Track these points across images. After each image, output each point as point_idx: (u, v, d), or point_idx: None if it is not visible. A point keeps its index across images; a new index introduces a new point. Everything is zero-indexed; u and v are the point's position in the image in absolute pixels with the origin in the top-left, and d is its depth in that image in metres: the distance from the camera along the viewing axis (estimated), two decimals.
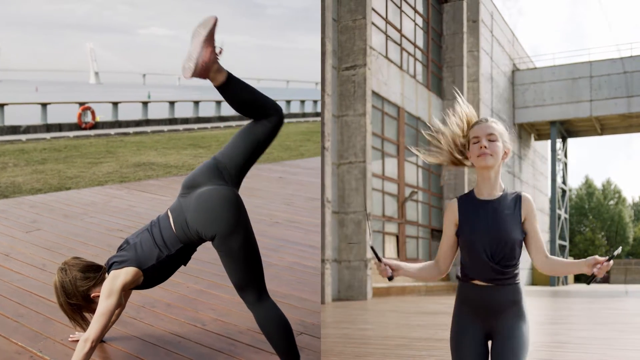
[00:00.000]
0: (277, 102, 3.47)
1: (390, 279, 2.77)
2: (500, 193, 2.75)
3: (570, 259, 2.74)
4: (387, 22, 21.19)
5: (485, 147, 2.70)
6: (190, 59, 3.26)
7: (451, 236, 2.81)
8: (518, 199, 2.74)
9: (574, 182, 73.56)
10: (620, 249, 2.71)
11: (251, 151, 3.45)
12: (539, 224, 2.78)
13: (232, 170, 3.43)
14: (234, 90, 3.38)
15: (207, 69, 3.29)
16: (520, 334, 2.68)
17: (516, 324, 2.70)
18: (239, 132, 3.47)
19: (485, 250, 2.67)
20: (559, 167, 35.19)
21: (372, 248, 2.80)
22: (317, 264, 5.97)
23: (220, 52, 3.32)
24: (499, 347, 2.69)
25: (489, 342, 2.77)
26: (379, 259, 2.77)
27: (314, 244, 6.68)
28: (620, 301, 18.13)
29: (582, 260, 2.64)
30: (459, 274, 2.82)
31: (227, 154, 3.46)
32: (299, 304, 4.77)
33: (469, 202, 2.78)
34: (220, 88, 3.36)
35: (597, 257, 2.57)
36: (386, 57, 20.79)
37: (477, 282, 2.72)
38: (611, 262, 2.54)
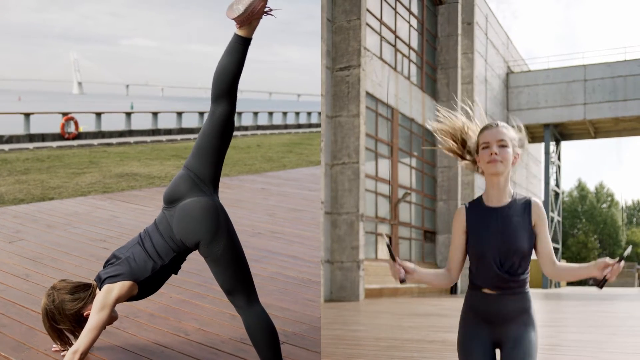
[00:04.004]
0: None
1: (402, 282, 2.69)
2: (510, 199, 2.70)
3: (577, 265, 2.67)
4: (382, 23, 21.18)
5: (496, 153, 2.64)
6: (241, 2, 3.26)
7: (460, 244, 2.76)
8: (528, 205, 2.69)
9: (567, 185, 73.76)
10: (630, 248, 2.65)
11: (218, 150, 3.45)
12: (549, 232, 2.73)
13: (205, 178, 3.46)
14: (244, 51, 3.38)
15: (250, 19, 3.31)
16: (529, 342, 2.64)
17: (525, 332, 2.65)
18: (200, 135, 3.46)
19: (494, 259, 2.62)
20: (552, 169, 35.26)
21: (388, 246, 2.72)
22: (299, 274, 5.99)
23: (269, 11, 3.34)
24: (508, 355, 2.64)
25: (497, 351, 2.73)
26: (394, 259, 2.68)
27: (296, 254, 6.69)
28: (612, 304, 18.14)
29: (591, 263, 2.59)
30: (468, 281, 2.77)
31: (196, 161, 3.45)
32: (281, 313, 4.80)
33: (477, 210, 2.73)
34: (242, 40, 3.36)
35: (607, 259, 2.53)
36: (380, 58, 20.77)
37: (486, 290, 2.68)
38: (622, 263, 2.50)
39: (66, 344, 3.68)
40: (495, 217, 2.67)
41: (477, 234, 2.68)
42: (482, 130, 2.74)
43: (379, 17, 20.98)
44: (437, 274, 2.82)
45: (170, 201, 3.47)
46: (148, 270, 3.48)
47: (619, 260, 2.49)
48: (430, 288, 23.08)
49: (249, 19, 3.30)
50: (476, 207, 2.74)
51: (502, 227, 2.65)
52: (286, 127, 41.99)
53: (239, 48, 3.36)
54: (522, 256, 2.63)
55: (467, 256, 2.76)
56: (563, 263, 2.71)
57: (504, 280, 2.63)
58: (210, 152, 3.43)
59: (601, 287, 2.55)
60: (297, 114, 45.90)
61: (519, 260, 2.62)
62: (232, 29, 3.37)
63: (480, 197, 2.76)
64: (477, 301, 2.71)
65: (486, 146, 2.68)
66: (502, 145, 2.66)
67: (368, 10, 19.56)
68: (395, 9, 22.27)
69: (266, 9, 3.33)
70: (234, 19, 3.29)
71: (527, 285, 2.69)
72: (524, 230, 2.64)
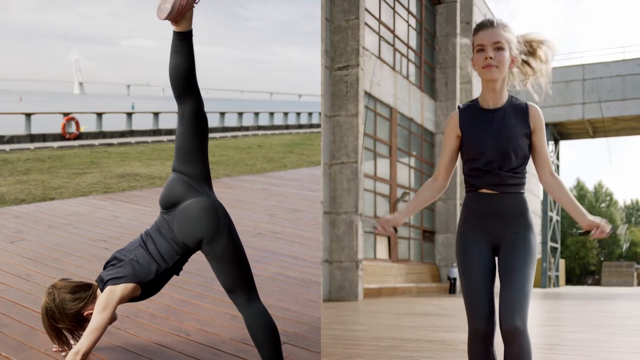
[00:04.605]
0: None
1: (395, 231, 2.76)
2: (506, 102, 2.60)
3: (575, 202, 2.63)
4: (381, 22, 21.19)
5: (491, 57, 2.50)
6: (167, 0, 3.22)
7: (452, 149, 2.68)
8: (526, 108, 2.59)
9: (566, 184, 73.88)
10: (626, 226, 2.69)
11: (198, 148, 3.45)
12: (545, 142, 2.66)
13: (196, 177, 3.46)
14: (188, 45, 3.35)
15: (183, 12, 3.26)
16: (528, 243, 2.57)
17: (523, 234, 2.59)
18: (177, 137, 3.46)
19: (492, 158, 2.55)
20: None
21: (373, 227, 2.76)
22: (300, 274, 5.99)
23: (197, 0, 3.29)
24: (507, 258, 2.58)
25: (496, 258, 2.67)
26: (375, 228, 2.74)
27: (296, 254, 6.68)
28: (611, 303, 18.17)
29: (588, 216, 2.58)
30: (465, 189, 2.71)
31: (181, 163, 3.45)
32: (282, 314, 4.78)
33: (472, 112, 2.63)
34: (182, 35, 3.31)
35: (603, 223, 2.55)
36: (379, 57, 20.77)
37: (484, 190, 2.60)
38: (608, 235, 2.56)
39: (64, 344, 3.69)
40: (492, 118, 2.58)
41: (473, 134, 2.60)
42: (476, 31, 2.59)
43: (377, 16, 20.99)
44: (421, 193, 2.78)
45: (168, 206, 3.47)
46: (152, 273, 3.48)
47: (609, 234, 2.54)
48: (429, 288, 23.09)
49: (181, 14, 3.25)
50: (471, 110, 2.64)
51: (499, 127, 2.56)
52: (287, 127, 41.99)
53: (184, 44, 3.32)
54: (519, 154, 2.55)
55: (462, 159, 2.68)
56: (563, 183, 2.67)
57: (501, 177, 2.56)
58: (193, 151, 3.42)
59: (580, 234, 2.64)
60: (298, 114, 45.92)
61: (515, 158, 2.55)
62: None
63: (476, 100, 2.65)
64: (476, 203, 2.63)
65: (481, 49, 2.54)
66: (499, 48, 2.52)
67: (367, 9, 19.57)
68: (393, 9, 22.29)
69: None
70: (165, 19, 3.26)
71: (524, 187, 2.63)
72: (521, 131, 2.56)
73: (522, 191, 2.62)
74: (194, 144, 3.42)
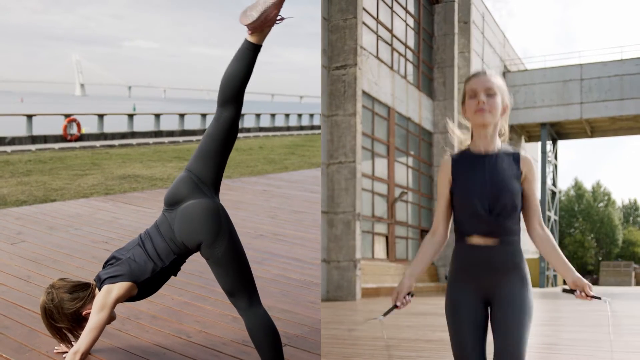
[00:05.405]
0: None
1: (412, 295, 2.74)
2: (498, 149, 2.60)
3: (563, 259, 2.56)
4: (378, 21, 21.18)
5: (483, 102, 2.53)
6: (255, 8, 3.31)
7: (446, 196, 2.65)
8: (517, 157, 2.59)
9: (564, 184, 73.88)
10: (608, 301, 2.60)
11: (221, 153, 3.46)
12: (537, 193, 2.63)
13: (207, 180, 3.47)
14: (253, 57, 3.42)
15: (263, 27, 3.35)
16: (523, 300, 2.51)
17: (518, 289, 2.53)
18: (204, 137, 3.48)
19: (483, 203, 2.51)
20: (549, 169, 35.28)
21: (384, 315, 2.76)
22: (301, 276, 5.99)
23: (281, 20, 3.37)
24: (501, 314, 2.52)
25: (488, 310, 2.61)
26: (397, 306, 2.78)
27: (297, 256, 6.69)
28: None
29: (575, 274, 2.53)
30: (455, 235, 2.66)
31: (198, 163, 3.47)
32: (283, 315, 4.82)
33: (463, 158, 2.62)
34: (252, 46, 3.39)
35: (588, 288, 2.50)
36: (377, 57, 20.76)
37: (475, 239, 2.55)
38: (590, 298, 2.50)
39: (64, 340, 3.69)
40: (483, 163, 2.58)
41: (463, 179, 2.58)
42: (469, 79, 2.62)
43: (375, 15, 20.98)
44: (424, 252, 2.70)
45: (172, 203, 3.48)
46: (148, 271, 3.49)
47: (591, 297, 2.49)
48: (427, 287, 23.09)
49: (262, 26, 3.34)
50: (463, 156, 2.63)
51: (490, 171, 2.55)
52: (288, 128, 41.99)
53: (249, 54, 3.38)
54: (512, 199, 2.52)
55: (454, 205, 2.64)
56: (552, 238, 2.60)
57: (493, 224, 2.52)
58: (214, 155, 3.44)
59: (565, 291, 2.58)
60: (300, 115, 45.91)
61: (508, 203, 2.51)
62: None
63: (467, 148, 2.65)
64: (467, 255, 2.59)
65: (473, 95, 2.56)
66: (490, 94, 2.55)
67: (364, 9, 19.55)
68: (391, 8, 22.28)
69: (278, 17, 3.36)
70: (247, 25, 3.31)
71: (518, 237, 2.57)
72: (513, 177, 2.55)
73: (515, 240, 2.57)
74: (217, 149, 3.45)
